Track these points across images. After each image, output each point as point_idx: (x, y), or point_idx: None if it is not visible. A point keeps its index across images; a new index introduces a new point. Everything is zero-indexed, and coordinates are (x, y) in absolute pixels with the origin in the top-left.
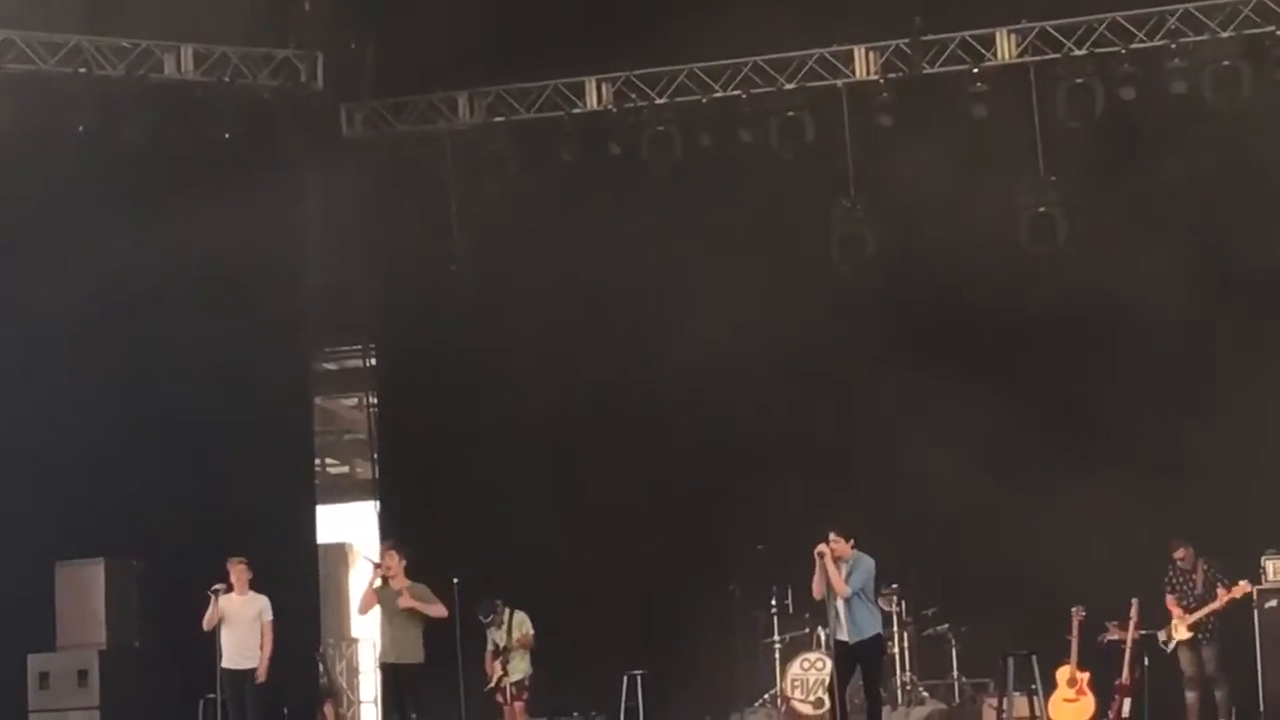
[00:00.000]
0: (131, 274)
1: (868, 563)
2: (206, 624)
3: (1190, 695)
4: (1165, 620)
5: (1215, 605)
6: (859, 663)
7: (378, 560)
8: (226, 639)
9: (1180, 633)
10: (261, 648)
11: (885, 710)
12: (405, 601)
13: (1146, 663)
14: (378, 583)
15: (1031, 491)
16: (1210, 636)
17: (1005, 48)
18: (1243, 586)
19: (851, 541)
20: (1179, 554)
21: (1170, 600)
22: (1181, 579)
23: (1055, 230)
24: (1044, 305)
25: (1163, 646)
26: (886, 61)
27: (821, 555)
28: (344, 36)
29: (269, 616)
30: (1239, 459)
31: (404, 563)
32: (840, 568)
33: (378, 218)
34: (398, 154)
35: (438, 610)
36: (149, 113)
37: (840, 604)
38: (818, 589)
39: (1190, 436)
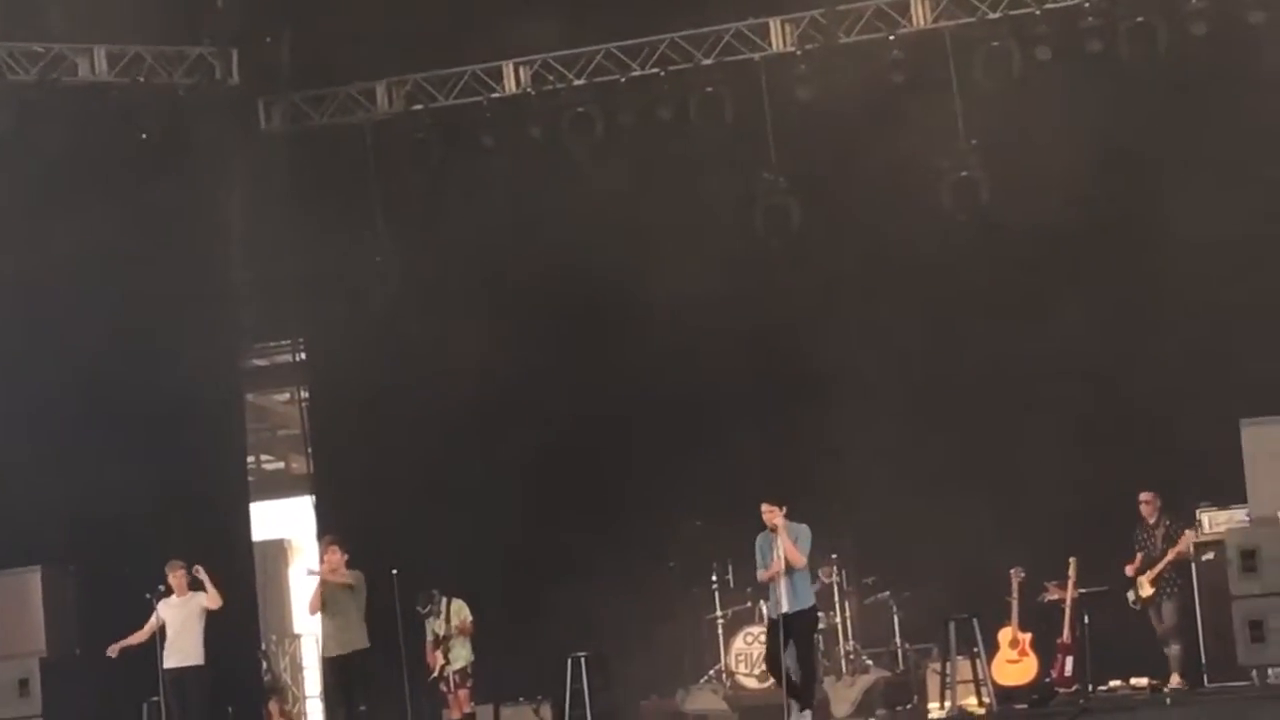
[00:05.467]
0: (54, 278)
1: (808, 531)
2: (146, 635)
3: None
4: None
5: (1166, 560)
6: (795, 634)
7: (316, 567)
8: (167, 640)
9: (1145, 590)
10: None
11: (829, 680)
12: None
13: (1087, 621)
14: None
15: (966, 454)
16: (1171, 592)
17: (920, 14)
18: (1187, 537)
19: (784, 510)
20: (1144, 497)
21: (1136, 559)
22: (1146, 536)
23: (977, 193)
24: (969, 269)
25: (1134, 606)
26: (803, 33)
27: (775, 530)
28: (258, 31)
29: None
30: (1172, 413)
31: (345, 557)
32: None
33: (302, 212)
34: (318, 147)
35: (347, 577)
36: (65, 116)
37: (783, 576)
38: (765, 575)
39: (1123, 393)
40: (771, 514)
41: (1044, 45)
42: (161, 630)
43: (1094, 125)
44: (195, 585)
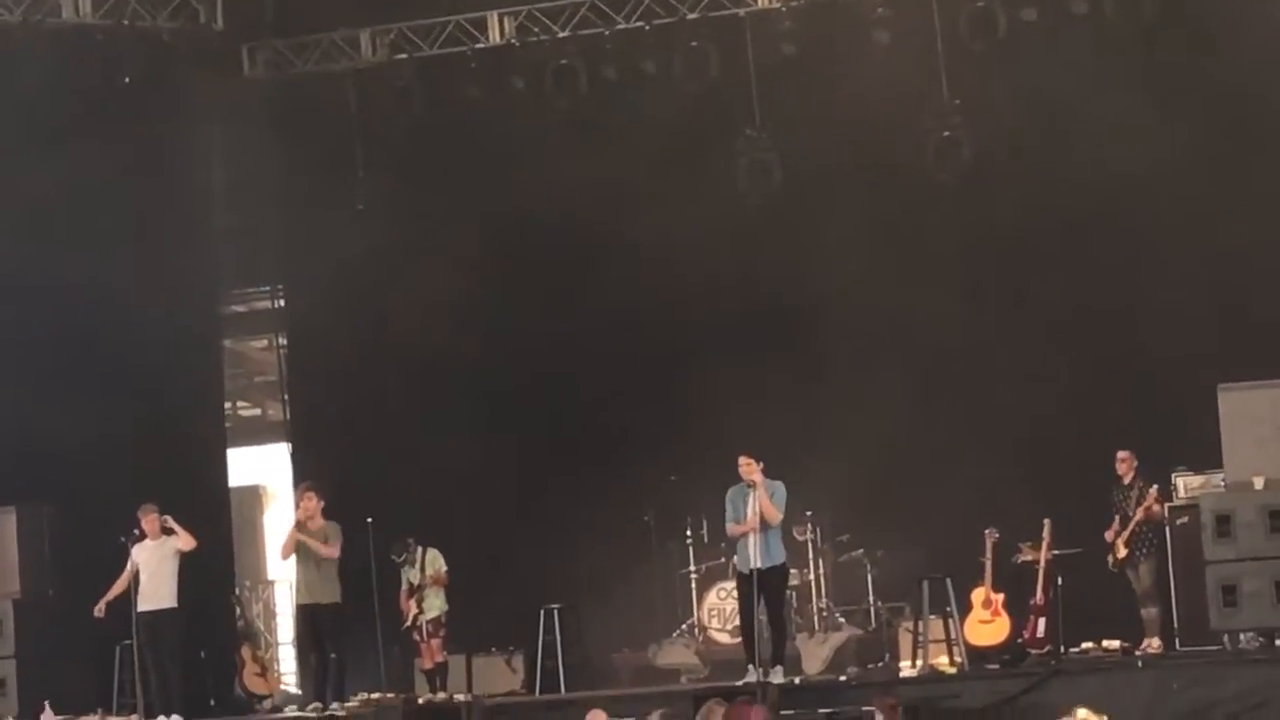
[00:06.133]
0: (35, 219)
1: (783, 488)
2: (125, 583)
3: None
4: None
5: (1135, 519)
6: (766, 590)
7: (291, 515)
8: (140, 584)
9: (1120, 552)
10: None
11: (801, 637)
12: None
13: (1060, 582)
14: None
15: (942, 414)
16: (1148, 553)
17: None
18: (1152, 495)
19: (761, 465)
20: (1121, 455)
21: (1114, 523)
22: (1122, 497)
23: (960, 153)
24: (950, 228)
25: (1114, 570)
26: None
27: (753, 484)
28: None
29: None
30: (1149, 378)
31: (321, 504)
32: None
33: (283, 159)
34: (301, 94)
35: (327, 551)
36: (48, 57)
37: (757, 531)
38: (738, 529)
39: (1102, 357)
40: (749, 467)
41: (1029, 6)
42: (136, 574)
43: (1078, 86)
44: (168, 530)
